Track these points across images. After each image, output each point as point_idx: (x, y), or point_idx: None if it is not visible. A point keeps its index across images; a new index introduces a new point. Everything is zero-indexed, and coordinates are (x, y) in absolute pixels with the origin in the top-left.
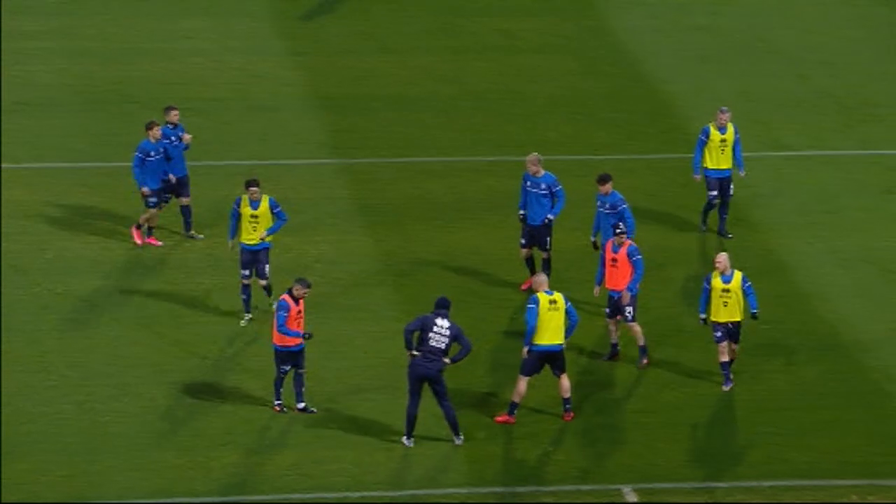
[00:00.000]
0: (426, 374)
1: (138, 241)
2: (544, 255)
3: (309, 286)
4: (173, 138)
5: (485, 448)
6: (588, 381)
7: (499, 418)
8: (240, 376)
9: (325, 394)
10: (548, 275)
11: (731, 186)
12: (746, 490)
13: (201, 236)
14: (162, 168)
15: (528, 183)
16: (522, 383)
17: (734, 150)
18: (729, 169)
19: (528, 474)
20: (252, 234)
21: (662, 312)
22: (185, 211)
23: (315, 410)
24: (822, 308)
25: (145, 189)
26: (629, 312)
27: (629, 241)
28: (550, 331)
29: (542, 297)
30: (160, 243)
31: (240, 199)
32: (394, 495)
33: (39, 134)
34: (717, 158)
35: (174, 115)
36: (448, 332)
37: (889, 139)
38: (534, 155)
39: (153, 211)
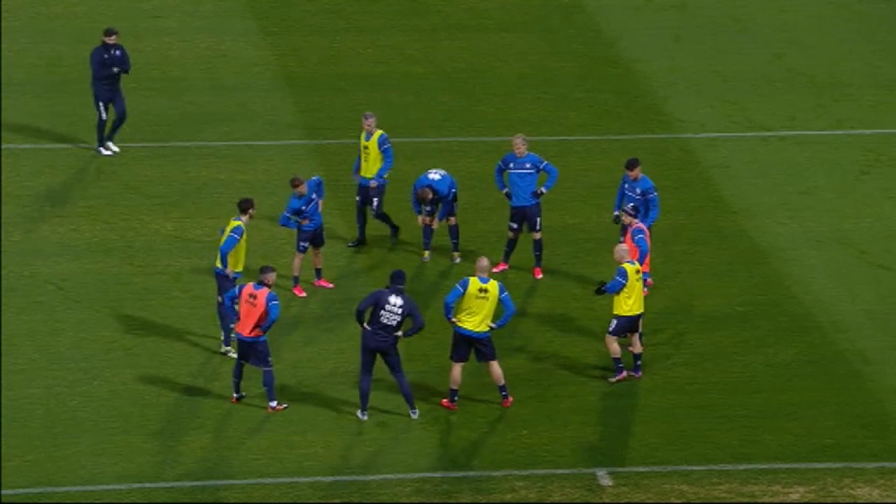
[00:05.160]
0: (378, 346)
1: (327, 286)
2: (536, 235)
3: (272, 270)
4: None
5: (458, 433)
6: (561, 365)
7: (443, 401)
8: (209, 360)
9: (296, 378)
10: (539, 255)
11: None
12: (721, 473)
13: (458, 259)
14: (315, 216)
15: (512, 164)
16: (455, 369)
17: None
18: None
19: (501, 459)
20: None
21: None
22: (454, 231)
23: (286, 405)
24: (795, 289)
25: (305, 221)
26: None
27: (637, 224)
28: (477, 317)
29: (473, 282)
30: (332, 285)
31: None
32: (366, 479)
33: (5, 114)
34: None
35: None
36: (401, 311)
37: (863, 119)
38: (520, 136)
39: (301, 255)
